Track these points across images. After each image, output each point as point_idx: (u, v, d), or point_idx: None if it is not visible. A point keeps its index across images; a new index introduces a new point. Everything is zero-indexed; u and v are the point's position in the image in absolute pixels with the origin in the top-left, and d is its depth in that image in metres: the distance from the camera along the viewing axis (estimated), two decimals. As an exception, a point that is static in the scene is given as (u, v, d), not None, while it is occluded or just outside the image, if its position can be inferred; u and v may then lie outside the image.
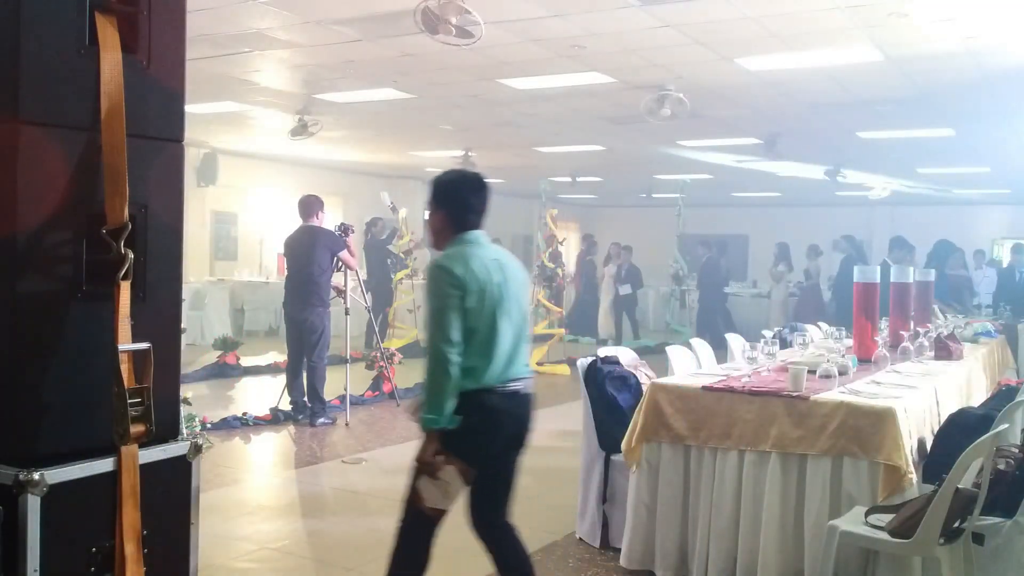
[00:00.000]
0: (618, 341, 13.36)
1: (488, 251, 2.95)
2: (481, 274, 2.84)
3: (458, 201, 2.98)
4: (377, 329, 9.19)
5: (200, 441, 1.95)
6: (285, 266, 7.64)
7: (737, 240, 19.66)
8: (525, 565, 3.02)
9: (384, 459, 6.15)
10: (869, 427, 3.37)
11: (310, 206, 7.28)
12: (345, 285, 7.54)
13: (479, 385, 2.83)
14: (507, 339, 2.87)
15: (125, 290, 1.69)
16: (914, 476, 3.35)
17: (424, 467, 2.80)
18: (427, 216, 3.05)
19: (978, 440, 3.00)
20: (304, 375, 7.29)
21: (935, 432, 3.88)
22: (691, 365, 5.12)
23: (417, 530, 2.88)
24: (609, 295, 14.66)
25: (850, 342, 5.12)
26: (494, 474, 2.97)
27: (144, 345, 1.71)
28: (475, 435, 2.83)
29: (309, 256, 7.10)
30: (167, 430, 1.86)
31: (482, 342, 2.83)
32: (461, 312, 2.79)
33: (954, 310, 8.79)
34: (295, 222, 7.36)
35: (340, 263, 7.41)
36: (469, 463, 2.84)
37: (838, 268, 12.00)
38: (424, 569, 2.90)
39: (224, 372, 9.42)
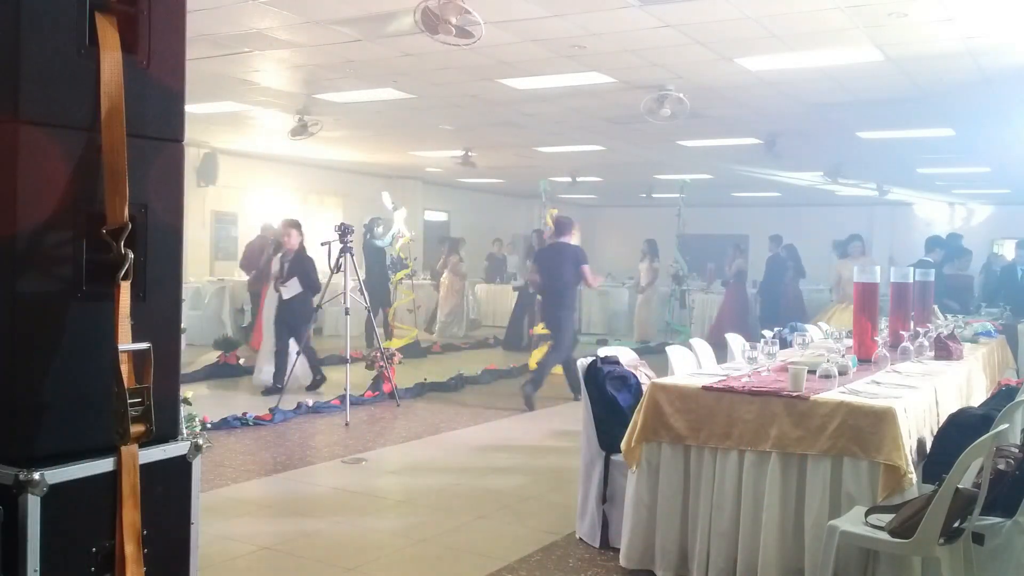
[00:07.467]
0: (279, 381, 8.15)
1: None
2: None
3: None
4: (377, 329, 9.19)
5: (200, 441, 1.95)
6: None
7: (737, 240, 19.63)
8: None
9: (384, 459, 6.15)
10: (869, 427, 3.37)
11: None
12: (345, 285, 7.54)
13: None
14: None
15: (125, 290, 1.69)
16: (914, 476, 3.35)
17: None
18: None
19: (978, 440, 3.00)
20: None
21: (935, 432, 3.88)
22: (691, 365, 5.12)
23: None
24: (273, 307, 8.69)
25: (850, 342, 5.12)
26: None
27: (144, 345, 1.71)
28: None
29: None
30: (167, 430, 1.86)
31: None
32: None
33: (953, 311, 8.75)
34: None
35: (340, 265, 7.48)
36: None
37: (764, 269, 11.73)
38: None
39: (224, 372, 9.43)
